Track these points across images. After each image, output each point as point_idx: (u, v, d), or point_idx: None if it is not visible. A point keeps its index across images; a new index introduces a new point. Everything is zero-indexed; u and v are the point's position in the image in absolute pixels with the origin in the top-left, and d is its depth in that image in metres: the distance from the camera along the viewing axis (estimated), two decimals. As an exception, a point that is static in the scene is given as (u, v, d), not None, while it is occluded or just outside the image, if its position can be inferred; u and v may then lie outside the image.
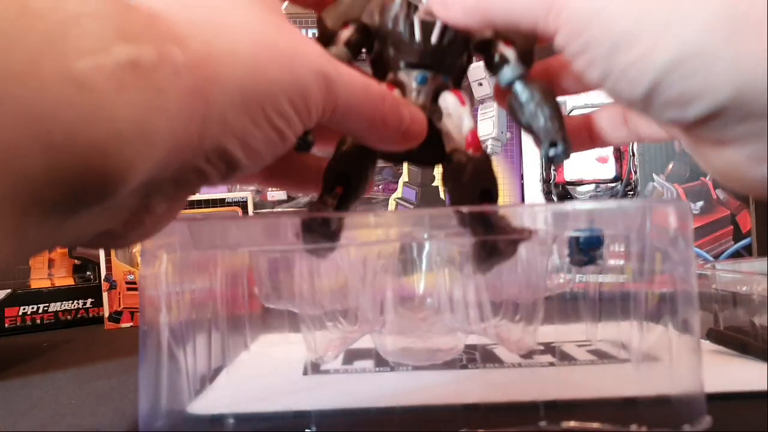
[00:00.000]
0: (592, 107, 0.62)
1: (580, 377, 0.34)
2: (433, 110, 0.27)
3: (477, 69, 0.71)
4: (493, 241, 0.25)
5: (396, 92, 0.26)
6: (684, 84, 0.19)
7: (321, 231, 0.25)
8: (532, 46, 0.27)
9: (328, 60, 0.22)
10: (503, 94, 0.27)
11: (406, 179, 0.74)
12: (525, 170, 0.72)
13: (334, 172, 0.26)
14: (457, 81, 0.28)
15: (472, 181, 0.26)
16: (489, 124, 0.72)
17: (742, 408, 0.29)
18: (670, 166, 0.65)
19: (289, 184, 0.29)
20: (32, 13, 0.14)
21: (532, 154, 0.71)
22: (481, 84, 0.71)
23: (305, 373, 0.37)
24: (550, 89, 0.26)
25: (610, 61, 0.21)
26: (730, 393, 0.31)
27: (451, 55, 0.27)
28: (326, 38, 0.27)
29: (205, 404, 0.31)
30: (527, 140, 0.72)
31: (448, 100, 0.27)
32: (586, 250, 0.28)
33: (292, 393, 0.33)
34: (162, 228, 0.22)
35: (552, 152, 0.25)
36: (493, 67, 0.27)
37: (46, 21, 0.14)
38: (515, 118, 0.27)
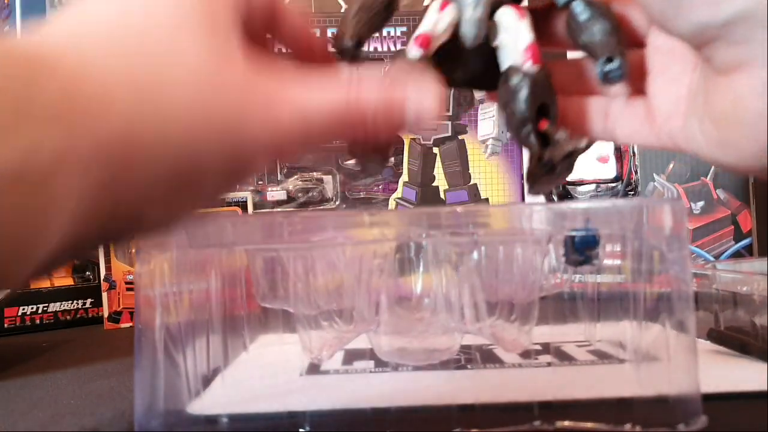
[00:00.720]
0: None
1: (578, 377, 0.34)
2: (490, 26, 0.26)
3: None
4: (550, 158, 0.25)
5: (451, 8, 0.25)
6: None
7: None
8: None
9: (276, 117, 0.18)
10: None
11: (406, 179, 0.73)
12: (525, 170, 0.72)
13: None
14: None
15: (528, 99, 0.25)
16: (489, 124, 0.71)
17: (743, 408, 0.29)
18: (671, 166, 0.65)
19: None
20: None
21: (532, 154, 0.71)
22: (481, 84, 0.71)
23: (304, 373, 0.37)
24: (608, 8, 0.26)
25: None
26: (731, 393, 0.30)
27: None
28: None
29: (202, 405, 0.31)
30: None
31: (505, 13, 0.26)
32: (581, 249, 0.27)
33: (290, 393, 0.33)
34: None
35: (608, 67, 0.24)
36: None
37: None
38: (572, 38, 0.26)
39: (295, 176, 0.77)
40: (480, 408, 0.29)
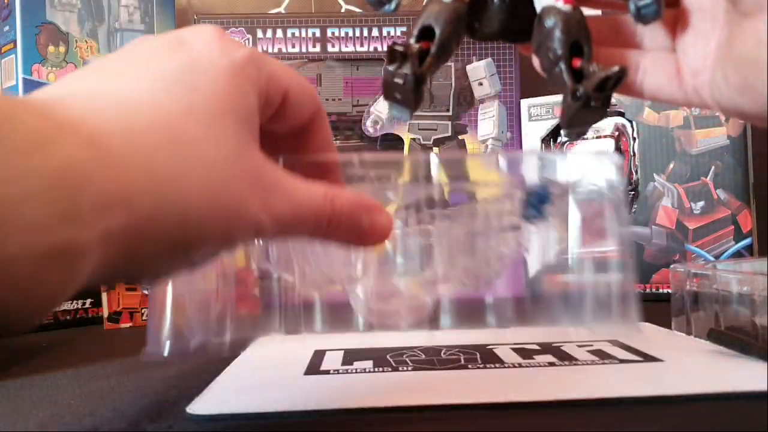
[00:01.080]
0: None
1: (580, 378, 0.34)
2: None
3: (477, 68, 0.71)
4: (585, 90, 0.25)
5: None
6: None
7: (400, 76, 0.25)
8: None
9: (266, 203, 0.22)
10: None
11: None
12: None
13: (420, 23, 0.26)
14: None
15: (561, 37, 0.26)
16: (489, 124, 0.71)
17: (743, 408, 0.29)
18: (671, 166, 0.65)
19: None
20: None
21: (532, 154, 0.71)
22: (481, 84, 0.71)
23: (303, 373, 0.37)
24: None
25: None
26: (731, 393, 0.30)
27: None
28: None
29: (202, 404, 0.31)
30: (527, 140, 0.72)
31: None
32: (536, 205, 0.31)
33: (290, 393, 0.33)
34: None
35: (642, 2, 0.25)
36: None
37: None
38: None
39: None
40: (480, 408, 0.29)
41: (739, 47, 0.24)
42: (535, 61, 0.28)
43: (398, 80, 0.25)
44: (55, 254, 0.16)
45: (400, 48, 0.25)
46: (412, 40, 0.26)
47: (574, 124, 0.27)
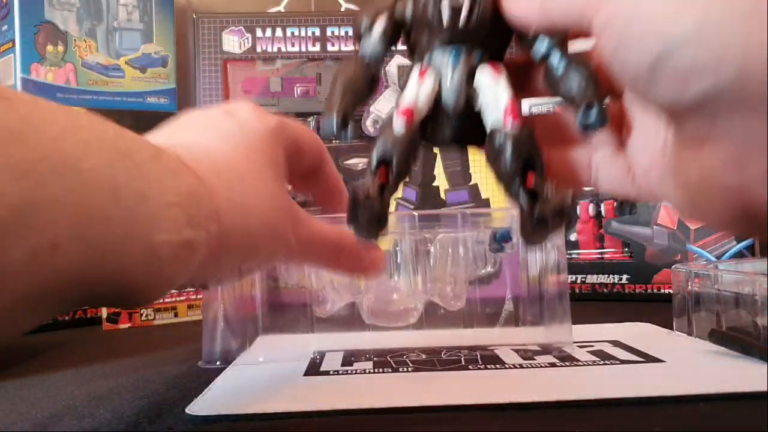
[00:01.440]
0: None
1: (580, 378, 0.34)
2: (470, 91, 0.26)
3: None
4: (540, 214, 0.25)
5: (430, 77, 0.26)
6: (695, 55, 0.20)
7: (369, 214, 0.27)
8: None
9: (295, 231, 0.29)
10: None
11: (407, 179, 0.73)
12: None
13: (376, 156, 0.27)
14: (496, 53, 0.27)
15: (512, 158, 0.26)
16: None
17: (743, 408, 0.29)
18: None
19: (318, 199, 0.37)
20: (141, 197, 0.21)
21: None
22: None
23: (303, 374, 0.37)
24: (586, 56, 0.25)
25: (627, 29, 0.21)
26: (732, 394, 0.30)
27: (482, 32, 0.26)
28: (360, 32, 0.27)
29: (202, 405, 0.31)
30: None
31: (482, 75, 0.26)
32: (500, 242, 0.41)
33: (290, 394, 0.33)
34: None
35: (586, 118, 0.24)
36: (524, 41, 0.26)
37: (147, 205, 0.21)
38: (551, 90, 0.26)
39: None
40: (481, 409, 0.29)
41: (685, 174, 0.23)
42: (492, 172, 0.27)
43: (361, 220, 0.27)
44: (183, 246, 0.22)
45: (360, 190, 0.26)
46: (370, 170, 0.27)
47: (534, 237, 0.27)
